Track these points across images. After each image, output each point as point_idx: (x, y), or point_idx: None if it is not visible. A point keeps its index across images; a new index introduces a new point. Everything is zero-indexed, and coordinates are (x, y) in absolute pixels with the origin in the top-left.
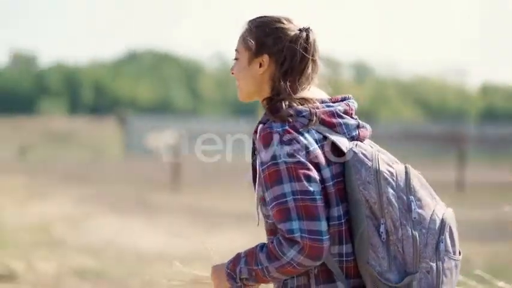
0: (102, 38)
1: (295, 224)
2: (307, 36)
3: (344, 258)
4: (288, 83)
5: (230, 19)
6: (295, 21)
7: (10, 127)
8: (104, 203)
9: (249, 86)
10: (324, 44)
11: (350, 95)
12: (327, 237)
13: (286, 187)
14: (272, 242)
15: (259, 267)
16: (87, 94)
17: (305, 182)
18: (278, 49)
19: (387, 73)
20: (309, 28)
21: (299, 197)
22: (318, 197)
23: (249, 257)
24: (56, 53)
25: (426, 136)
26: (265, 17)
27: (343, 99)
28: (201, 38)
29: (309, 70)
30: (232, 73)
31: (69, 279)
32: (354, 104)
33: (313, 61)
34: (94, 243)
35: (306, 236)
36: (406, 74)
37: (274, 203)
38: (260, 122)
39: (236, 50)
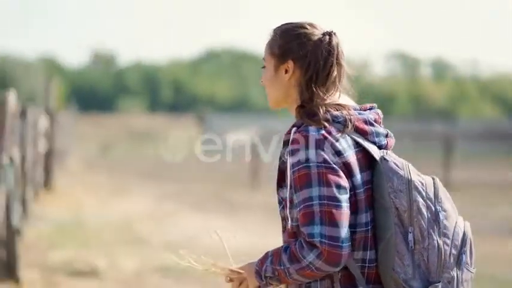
0: (181, 37)
1: (316, 229)
2: (330, 39)
3: (367, 264)
4: (315, 88)
5: (307, 17)
6: (319, 26)
7: (91, 125)
8: (184, 201)
9: (277, 92)
10: (403, 42)
11: (375, 104)
12: (347, 244)
13: (315, 191)
14: (295, 245)
15: (282, 267)
16: (166, 92)
17: (334, 188)
18: (302, 54)
19: (467, 70)
20: (332, 32)
21: (325, 202)
22: (344, 204)
23: (275, 256)
24: (135, 53)
25: (508, 135)
26: (289, 23)
27: (370, 108)
28: None
29: (334, 73)
30: (262, 81)
31: (151, 276)
32: (381, 114)
33: (338, 64)
34: (176, 240)
35: (326, 241)
36: (485, 71)
37: (302, 205)
38: (294, 126)
39: (263, 58)
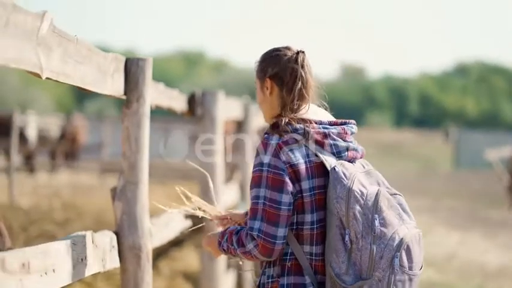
0: (431, 50)
1: (257, 224)
2: (297, 57)
3: (314, 257)
4: (287, 100)
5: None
6: (294, 48)
7: None
8: (438, 216)
9: (266, 109)
10: None
11: (352, 120)
12: (280, 242)
13: (262, 191)
14: (244, 231)
15: (232, 247)
16: (414, 106)
17: (277, 192)
18: (276, 72)
19: None
20: (300, 51)
21: (267, 203)
22: (283, 207)
23: (229, 236)
24: (383, 66)
25: None
26: (269, 49)
27: (342, 123)
28: None
29: (300, 86)
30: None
31: None
32: (351, 129)
33: (302, 78)
34: (436, 256)
35: (262, 236)
36: None
37: (251, 201)
38: (265, 133)
39: (254, 82)
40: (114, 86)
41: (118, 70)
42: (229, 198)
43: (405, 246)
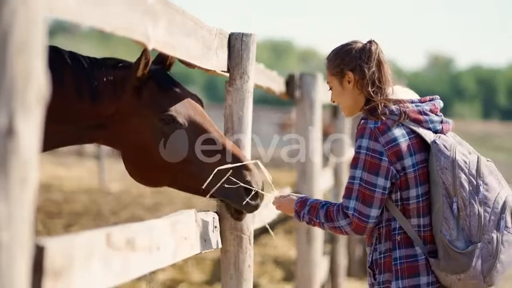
0: None
1: (352, 203)
2: (370, 46)
3: (422, 229)
4: (373, 87)
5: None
6: (360, 40)
7: None
8: None
9: (349, 102)
10: None
11: (437, 96)
12: (373, 221)
13: (358, 172)
14: (333, 206)
15: (318, 220)
16: (502, 98)
17: (373, 175)
18: (354, 64)
19: None
20: (371, 40)
21: (363, 184)
22: (378, 190)
23: (312, 209)
24: (472, 56)
25: None
26: (336, 47)
27: (431, 100)
28: None
29: (381, 71)
30: (333, 101)
31: None
32: (439, 104)
33: (381, 63)
34: None
35: (356, 215)
36: None
37: (348, 181)
38: (362, 118)
39: (327, 82)
40: (219, 62)
41: (222, 45)
42: (323, 183)
43: (509, 209)
